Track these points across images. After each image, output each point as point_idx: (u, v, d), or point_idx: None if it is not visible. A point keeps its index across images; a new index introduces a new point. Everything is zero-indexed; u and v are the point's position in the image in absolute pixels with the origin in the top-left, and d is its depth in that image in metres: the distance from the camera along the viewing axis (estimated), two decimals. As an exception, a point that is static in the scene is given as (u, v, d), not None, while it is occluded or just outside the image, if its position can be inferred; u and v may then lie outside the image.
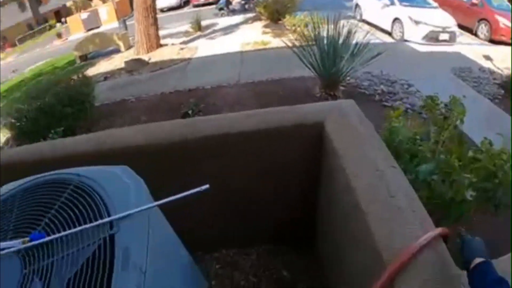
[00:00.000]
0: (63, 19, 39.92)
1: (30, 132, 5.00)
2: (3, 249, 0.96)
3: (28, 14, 43.85)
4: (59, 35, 29.76)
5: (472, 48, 8.36)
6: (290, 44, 5.66)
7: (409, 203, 1.00)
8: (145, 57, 10.43)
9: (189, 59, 9.80)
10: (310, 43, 5.41)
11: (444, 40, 8.78)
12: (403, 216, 0.95)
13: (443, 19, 9.04)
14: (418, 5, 9.84)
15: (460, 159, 1.51)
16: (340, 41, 5.11)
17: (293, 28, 10.26)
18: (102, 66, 11.17)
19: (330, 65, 5.01)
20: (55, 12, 45.35)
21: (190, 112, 5.03)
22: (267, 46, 9.59)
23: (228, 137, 1.53)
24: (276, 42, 9.44)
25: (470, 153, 1.53)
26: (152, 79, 8.48)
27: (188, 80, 7.52)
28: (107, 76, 9.73)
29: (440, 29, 8.76)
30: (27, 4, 43.32)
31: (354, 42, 5.24)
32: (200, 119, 1.72)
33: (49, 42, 29.71)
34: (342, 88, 5.36)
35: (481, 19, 9.54)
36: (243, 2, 16.98)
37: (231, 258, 2.04)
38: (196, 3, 22.85)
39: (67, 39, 27.30)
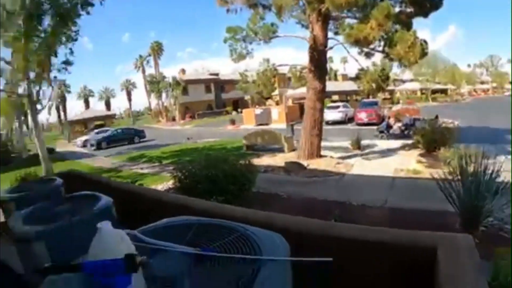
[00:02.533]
0: (239, 109, 47.95)
1: (191, 191, 6.14)
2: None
3: (211, 96, 55.46)
4: (232, 121, 34.93)
5: None
6: (440, 177, 5.59)
7: None
8: (304, 162, 11.46)
9: (343, 174, 10.40)
10: (457, 177, 5.32)
11: None
12: None
13: None
14: None
15: None
16: (485, 178, 4.90)
17: (447, 160, 9.96)
18: (265, 160, 12.70)
19: (470, 203, 4.81)
20: (234, 101, 54.93)
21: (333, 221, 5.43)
22: (418, 175, 9.56)
23: (357, 243, 1.87)
24: (428, 173, 9.37)
25: None
26: (306, 184, 9.31)
27: (338, 193, 8.06)
28: (267, 169, 11.05)
29: None
30: (212, 89, 55.08)
31: (500, 180, 4.95)
32: (341, 225, 2.09)
33: (222, 124, 35.33)
34: (482, 228, 4.97)
35: None
36: (403, 128, 17.22)
37: None
38: (359, 121, 24.44)
39: (239, 126, 32.13)
